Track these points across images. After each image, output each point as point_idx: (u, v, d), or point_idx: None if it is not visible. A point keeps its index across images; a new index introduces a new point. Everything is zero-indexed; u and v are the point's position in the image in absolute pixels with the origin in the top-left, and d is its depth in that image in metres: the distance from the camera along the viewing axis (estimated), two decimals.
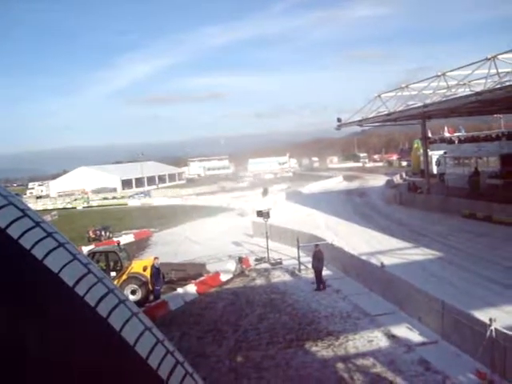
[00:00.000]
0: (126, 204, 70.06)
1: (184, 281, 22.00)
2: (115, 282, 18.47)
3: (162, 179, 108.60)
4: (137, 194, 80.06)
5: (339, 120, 41.20)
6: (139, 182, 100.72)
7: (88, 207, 71.34)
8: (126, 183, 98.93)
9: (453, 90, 30.19)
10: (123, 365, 2.06)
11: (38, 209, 60.86)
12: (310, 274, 21.78)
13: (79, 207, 72.41)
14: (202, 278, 21.58)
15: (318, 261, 19.91)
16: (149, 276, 20.17)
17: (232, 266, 23.29)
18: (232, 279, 22.27)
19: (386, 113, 35.83)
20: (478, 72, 26.66)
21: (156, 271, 20.07)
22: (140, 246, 33.60)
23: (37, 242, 1.99)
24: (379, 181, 63.59)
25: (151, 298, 20.00)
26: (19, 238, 1.96)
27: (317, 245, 20.78)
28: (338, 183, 70.41)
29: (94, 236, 37.29)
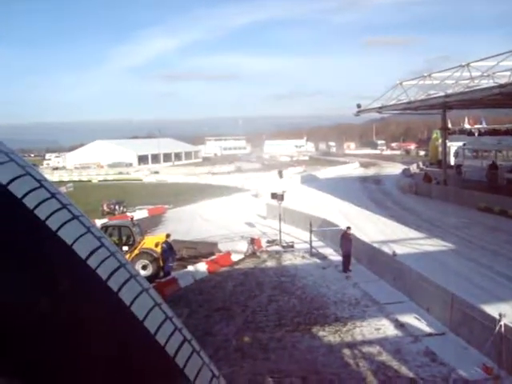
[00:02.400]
0: (141, 180, 70.36)
1: (195, 259, 22.13)
2: (127, 257, 18.64)
3: (178, 156, 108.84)
4: None
5: (359, 106, 40.88)
6: (155, 158, 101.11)
7: (103, 181, 71.69)
8: (142, 159, 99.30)
9: (476, 82, 29.70)
10: (131, 339, 2.07)
11: (54, 180, 61.35)
12: (321, 259, 21.85)
13: (94, 180, 72.83)
14: (213, 257, 21.68)
15: (346, 242, 19.93)
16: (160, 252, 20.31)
17: (244, 246, 23.36)
18: (243, 260, 22.34)
19: (406, 101, 35.47)
20: (503, 64, 26.21)
21: (169, 247, 20.20)
22: (153, 222, 33.77)
23: (52, 214, 2.00)
24: (396, 169, 63.15)
25: (161, 274, 20.15)
26: (35, 208, 1.97)
27: (348, 227, 20.78)
28: (354, 169, 70.11)
29: (107, 210, 37.47)
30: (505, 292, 16.29)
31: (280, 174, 57.80)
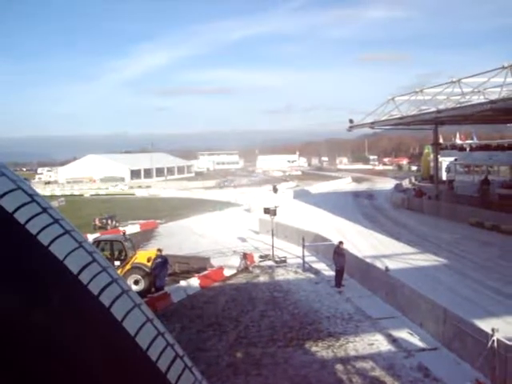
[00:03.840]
0: (134, 194, 70.23)
1: (187, 274, 22.04)
2: (119, 272, 18.52)
3: (170, 171, 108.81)
4: None
5: (351, 121, 41.10)
6: (148, 172, 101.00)
7: (95, 195, 71.44)
8: (135, 173, 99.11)
9: (467, 97, 29.98)
10: (123, 355, 2.05)
11: (46, 194, 61.09)
12: (313, 274, 21.81)
13: (87, 194, 72.55)
14: (205, 272, 21.60)
15: (339, 257, 19.92)
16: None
17: (236, 261, 23.28)
18: (235, 275, 22.26)
19: (398, 116, 35.70)
20: (494, 80, 26.48)
21: (164, 261, 20.11)
22: (145, 236, 33.62)
23: (43, 228, 1.99)
24: (388, 184, 63.36)
25: (153, 290, 20.03)
26: (26, 223, 1.95)
27: (341, 242, 20.75)
28: (346, 184, 70.31)
29: (100, 224, 37.34)
30: (497, 307, 16.30)
31: (275, 190, 57.88)
